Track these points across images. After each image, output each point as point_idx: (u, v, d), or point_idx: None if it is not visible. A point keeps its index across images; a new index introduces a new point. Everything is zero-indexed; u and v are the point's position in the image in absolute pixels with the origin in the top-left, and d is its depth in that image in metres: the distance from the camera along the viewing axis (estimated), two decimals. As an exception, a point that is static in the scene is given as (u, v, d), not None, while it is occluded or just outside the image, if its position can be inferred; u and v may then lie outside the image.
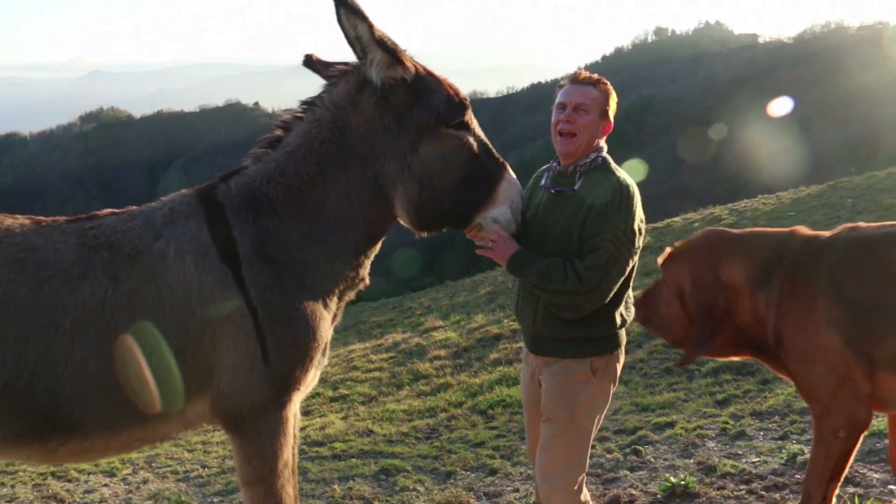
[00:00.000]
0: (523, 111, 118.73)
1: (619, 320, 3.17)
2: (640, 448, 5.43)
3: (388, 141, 2.81)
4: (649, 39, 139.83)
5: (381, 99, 2.81)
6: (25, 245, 2.63)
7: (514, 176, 2.97)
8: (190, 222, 2.75)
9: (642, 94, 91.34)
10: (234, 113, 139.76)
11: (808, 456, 4.57)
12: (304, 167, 2.83)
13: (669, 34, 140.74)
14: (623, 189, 3.03)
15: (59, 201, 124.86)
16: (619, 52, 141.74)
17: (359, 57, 2.75)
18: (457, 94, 2.89)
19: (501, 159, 2.97)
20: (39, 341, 2.53)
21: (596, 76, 3.23)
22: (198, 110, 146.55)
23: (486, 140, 2.96)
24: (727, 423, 5.75)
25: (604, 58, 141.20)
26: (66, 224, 2.78)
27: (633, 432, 5.93)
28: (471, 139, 2.88)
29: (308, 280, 2.78)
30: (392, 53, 2.73)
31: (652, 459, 5.25)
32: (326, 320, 2.82)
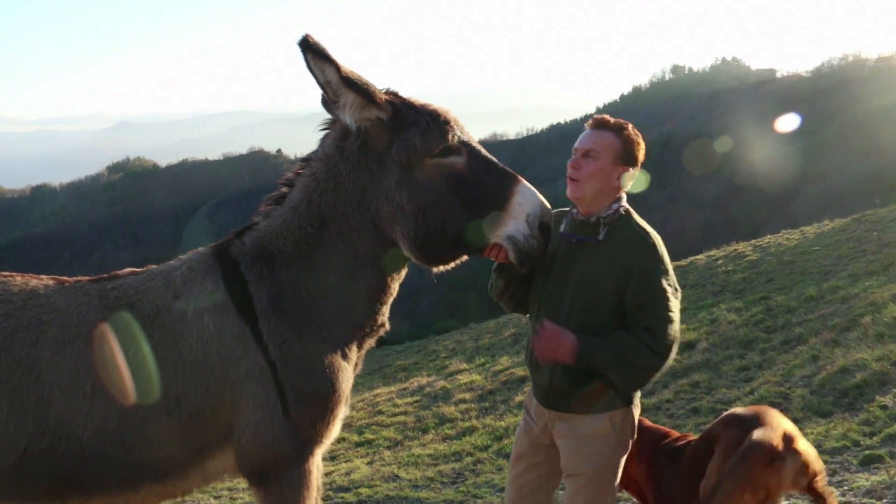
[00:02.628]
0: (543, 152, 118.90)
1: None
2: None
3: (376, 184, 2.80)
4: (667, 77, 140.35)
5: (362, 143, 2.80)
6: (49, 307, 2.70)
7: (530, 187, 2.83)
8: (207, 280, 2.80)
9: (661, 132, 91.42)
10: (258, 160, 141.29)
11: (842, 498, 4.51)
12: (308, 220, 2.85)
13: (686, 71, 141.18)
14: (656, 244, 3.01)
15: (87, 250, 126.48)
16: (637, 90, 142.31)
17: (332, 101, 2.74)
18: (435, 120, 2.79)
19: (511, 172, 2.84)
20: (61, 404, 2.57)
21: (616, 121, 3.11)
22: (221, 158, 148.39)
23: (489, 157, 2.85)
24: (756, 463, 5.64)
25: (622, 97, 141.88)
26: (89, 284, 2.84)
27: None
28: (460, 162, 2.78)
29: (325, 331, 2.80)
30: (363, 94, 2.69)
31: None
32: (346, 371, 2.84)
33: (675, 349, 2.93)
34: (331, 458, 9.58)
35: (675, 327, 2.91)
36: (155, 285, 2.81)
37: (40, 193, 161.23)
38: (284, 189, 2.97)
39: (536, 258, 2.84)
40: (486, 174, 2.79)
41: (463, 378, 12.18)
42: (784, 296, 11.60)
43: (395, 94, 2.83)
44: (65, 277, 2.93)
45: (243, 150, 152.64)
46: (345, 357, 2.84)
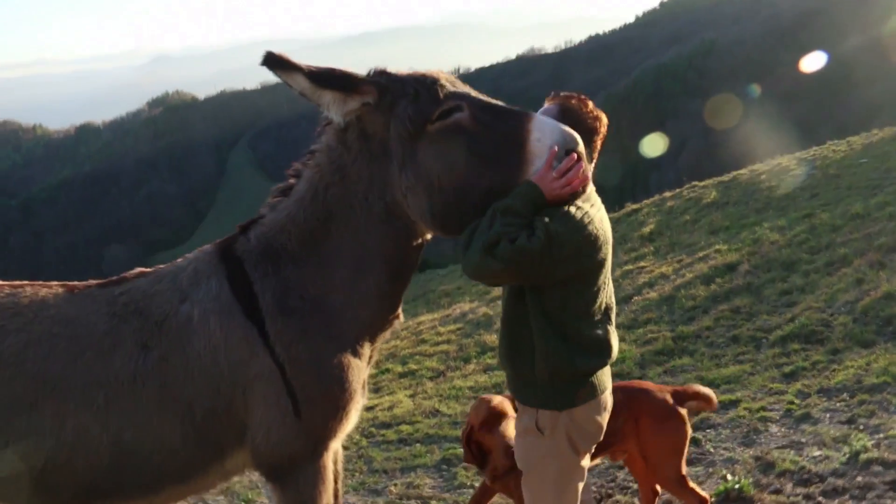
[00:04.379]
0: (582, 65, 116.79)
1: (567, 366, 2.71)
2: (700, 437, 5.30)
3: (382, 170, 2.69)
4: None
5: (361, 132, 2.70)
6: (59, 318, 2.70)
7: (545, 119, 2.64)
8: (212, 282, 2.76)
9: (703, 39, 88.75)
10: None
11: (872, 453, 4.44)
12: (314, 213, 2.77)
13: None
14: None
15: (134, 185, 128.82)
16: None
17: (315, 104, 2.66)
18: (423, 84, 2.64)
19: (521, 111, 2.66)
20: (75, 418, 2.59)
21: (565, 95, 2.98)
22: (259, 87, 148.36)
23: (492, 102, 2.68)
24: (793, 402, 5.58)
25: (662, 4, 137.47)
26: (98, 290, 2.83)
27: (696, 413, 5.78)
28: (463, 117, 2.60)
29: (335, 328, 2.74)
30: (340, 87, 2.60)
31: (711, 450, 5.13)
32: (358, 368, 2.79)
33: (484, 261, 2.52)
34: (375, 390, 9.72)
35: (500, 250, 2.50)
36: (162, 288, 2.79)
37: (84, 132, 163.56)
38: (292, 180, 2.89)
39: (581, 188, 2.63)
40: (494, 121, 2.61)
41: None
42: (829, 213, 11.32)
43: (380, 73, 2.70)
44: (74, 283, 2.93)
45: (279, 80, 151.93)
46: (356, 354, 2.79)
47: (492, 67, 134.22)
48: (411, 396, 9.05)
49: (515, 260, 2.47)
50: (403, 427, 7.31)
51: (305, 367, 2.68)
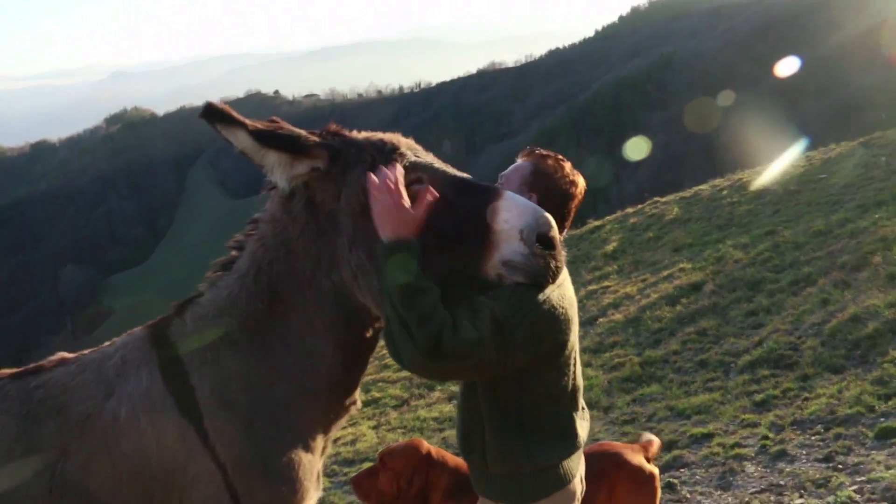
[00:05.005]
0: (542, 78, 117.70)
1: (526, 461, 2.44)
2: (675, 481, 5.13)
3: (330, 245, 2.39)
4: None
5: (308, 201, 2.40)
6: None
7: (515, 197, 2.32)
8: (142, 373, 2.44)
9: (662, 53, 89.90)
10: (256, 103, 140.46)
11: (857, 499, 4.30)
12: (257, 293, 2.46)
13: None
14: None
15: (91, 204, 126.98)
16: (635, 10, 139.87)
17: (258, 165, 2.35)
18: (381, 151, 2.37)
19: (489, 186, 2.38)
20: None
21: (541, 151, 2.77)
22: (222, 101, 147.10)
23: (457, 175, 2.39)
24: (767, 437, 5.44)
25: (620, 18, 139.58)
26: (10, 383, 2.51)
27: (668, 448, 5.65)
28: (425, 191, 2.30)
29: (282, 423, 2.44)
30: (287, 148, 2.31)
31: (688, 496, 4.96)
32: (310, 463, 2.51)
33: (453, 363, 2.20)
34: (337, 420, 9.48)
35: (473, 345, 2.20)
36: (85, 380, 2.47)
37: (40, 150, 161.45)
38: (234, 253, 2.57)
39: (551, 276, 2.30)
40: (458, 197, 2.32)
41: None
42: (791, 230, 11.33)
43: (334, 134, 2.43)
44: None
45: (240, 94, 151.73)
46: (307, 449, 2.48)
47: (453, 82, 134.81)
48: (374, 428, 8.83)
49: (467, 355, 2.17)
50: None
51: (250, 467, 2.39)
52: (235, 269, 2.53)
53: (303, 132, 2.37)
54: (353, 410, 2.62)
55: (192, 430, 2.38)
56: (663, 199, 17.47)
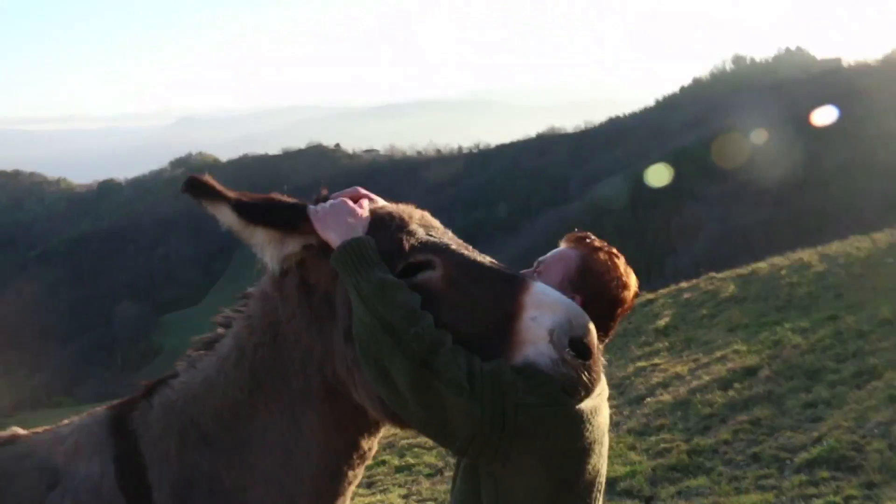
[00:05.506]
0: (602, 146, 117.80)
1: None
2: None
3: (324, 333, 2.08)
4: (728, 68, 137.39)
5: (301, 281, 2.12)
6: None
7: (547, 291, 1.99)
8: (94, 463, 2.14)
9: (722, 125, 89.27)
10: (316, 154, 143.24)
11: None
12: (237, 380, 2.15)
13: (749, 62, 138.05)
14: None
15: (151, 244, 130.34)
16: (697, 82, 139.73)
17: (246, 244, 2.11)
18: (386, 226, 2.08)
19: (515, 276, 2.04)
20: None
21: (592, 239, 2.40)
22: (281, 153, 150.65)
23: (478, 260, 2.04)
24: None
25: (682, 89, 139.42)
26: None
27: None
28: (435, 277, 2.00)
29: None
30: (276, 224, 2.06)
31: None
32: None
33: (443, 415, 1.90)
34: (367, 485, 9.20)
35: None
36: (27, 467, 2.19)
37: (107, 188, 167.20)
38: (220, 330, 2.29)
39: (582, 390, 1.94)
40: (476, 287, 1.98)
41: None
42: (855, 316, 10.76)
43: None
44: None
45: (302, 145, 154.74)
46: None
47: (512, 144, 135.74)
48: (405, 497, 8.53)
49: (457, 385, 1.84)
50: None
51: None
52: (218, 349, 2.24)
53: (296, 202, 2.12)
54: None
55: None
56: (719, 275, 16.97)
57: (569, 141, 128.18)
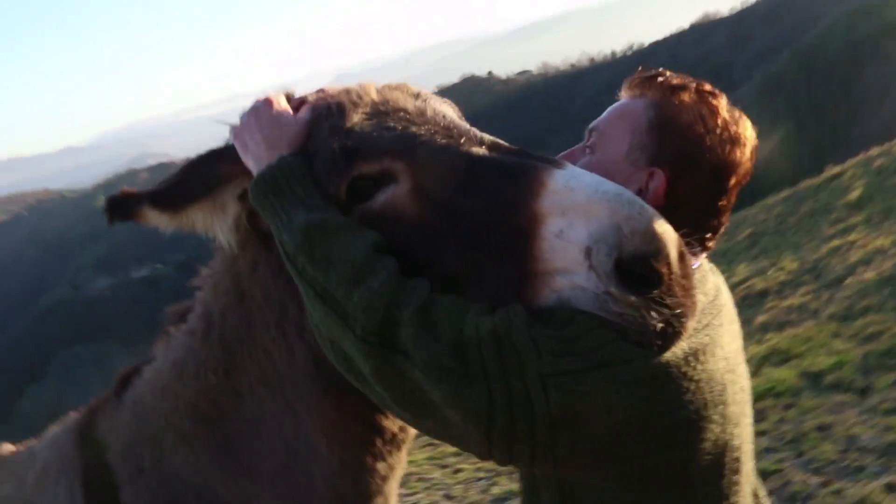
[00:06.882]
0: (761, 23, 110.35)
1: None
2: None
3: (295, 287, 1.45)
4: None
5: (253, 227, 1.62)
6: None
7: (572, 181, 1.27)
8: (60, 487, 1.80)
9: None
10: (470, 86, 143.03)
11: None
12: (208, 360, 1.70)
13: None
14: None
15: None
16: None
17: (196, 233, 1.67)
18: (319, 128, 1.49)
19: (529, 164, 1.33)
20: None
21: (667, 78, 1.63)
22: (436, 90, 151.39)
23: (467, 150, 1.38)
24: None
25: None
26: None
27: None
28: (402, 194, 1.39)
29: None
30: (201, 189, 1.58)
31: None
32: None
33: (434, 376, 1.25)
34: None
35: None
36: (3, 494, 1.95)
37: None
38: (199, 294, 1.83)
39: (652, 340, 1.23)
40: (465, 196, 1.34)
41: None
42: None
43: None
44: None
45: (455, 79, 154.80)
46: None
47: (665, 40, 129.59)
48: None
49: (438, 365, 1.23)
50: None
51: None
52: (185, 326, 1.79)
53: (214, 149, 1.63)
54: None
55: None
56: (914, 137, 15.75)
57: (726, 25, 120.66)
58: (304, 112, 1.50)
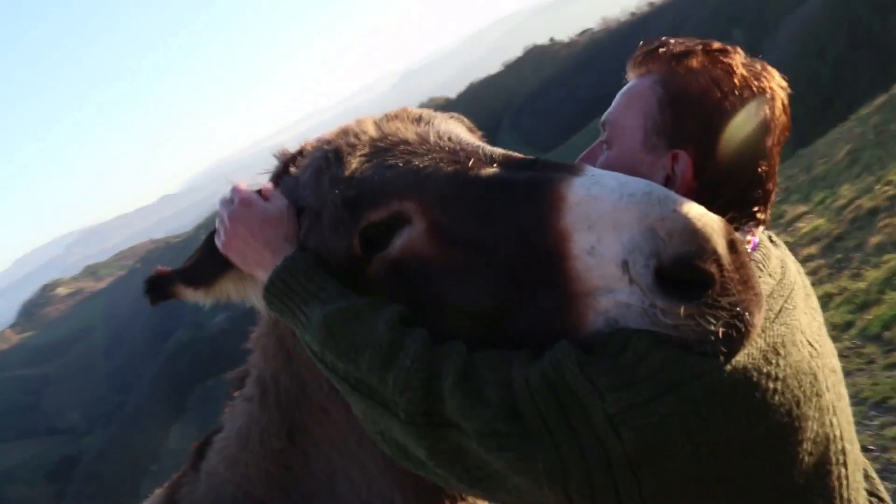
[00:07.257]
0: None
1: None
2: None
3: None
4: None
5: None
6: None
7: (592, 189, 1.17)
8: None
9: None
10: (536, 56, 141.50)
11: None
12: (269, 425, 1.68)
13: None
14: None
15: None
16: None
17: (234, 301, 1.71)
18: (318, 186, 1.45)
19: (544, 178, 1.24)
20: None
21: (656, 45, 1.50)
22: (503, 68, 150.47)
23: (477, 174, 1.30)
24: None
25: None
26: None
27: None
28: (417, 235, 1.33)
29: None
30: (222, 267, 1.60)
31: None
32: None
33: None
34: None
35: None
36: None
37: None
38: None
39: (717, 346, 1.12)
40: (482, 224, 1.26)
41: (804, 226, 10.83)
42: None
43: (277, 177, 1.65)
44: None
45: (519, 52, 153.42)
46: None
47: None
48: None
49: (491, 432, 1.16)
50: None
51: None
52: (245, 390, 1.79)
53: (206, 239, 1.65)
54: None
55: None
56: None
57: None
58: (275, 196, 1.49)
